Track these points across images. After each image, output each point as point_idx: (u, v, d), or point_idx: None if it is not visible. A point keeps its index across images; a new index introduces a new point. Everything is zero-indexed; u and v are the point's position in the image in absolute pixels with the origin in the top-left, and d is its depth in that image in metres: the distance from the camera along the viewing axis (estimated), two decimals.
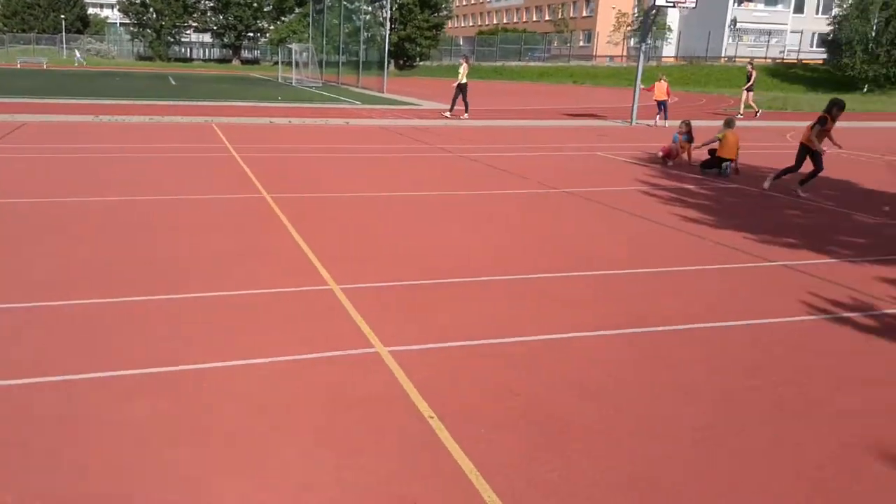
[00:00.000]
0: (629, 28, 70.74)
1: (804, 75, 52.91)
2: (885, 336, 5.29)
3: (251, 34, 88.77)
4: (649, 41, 34.57)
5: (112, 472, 3.28)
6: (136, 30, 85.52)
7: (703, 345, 5.00)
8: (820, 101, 36.41)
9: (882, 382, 4.51)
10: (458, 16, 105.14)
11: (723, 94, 42.06)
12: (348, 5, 49.82)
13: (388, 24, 42.95)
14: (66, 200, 8.97)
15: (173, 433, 3.61)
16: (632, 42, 69.37)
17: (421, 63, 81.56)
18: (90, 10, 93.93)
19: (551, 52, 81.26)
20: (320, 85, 41.32)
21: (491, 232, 8.18)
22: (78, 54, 69.58)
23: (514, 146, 16.49)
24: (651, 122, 22.67)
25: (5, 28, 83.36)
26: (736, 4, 68.58)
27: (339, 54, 47.68)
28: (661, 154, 14.45)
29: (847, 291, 6.29)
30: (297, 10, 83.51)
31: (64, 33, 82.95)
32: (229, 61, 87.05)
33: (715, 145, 13.15)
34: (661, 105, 22.71)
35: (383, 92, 35.43)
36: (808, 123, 11.18)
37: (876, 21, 46.85)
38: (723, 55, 65.16)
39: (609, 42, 73.53)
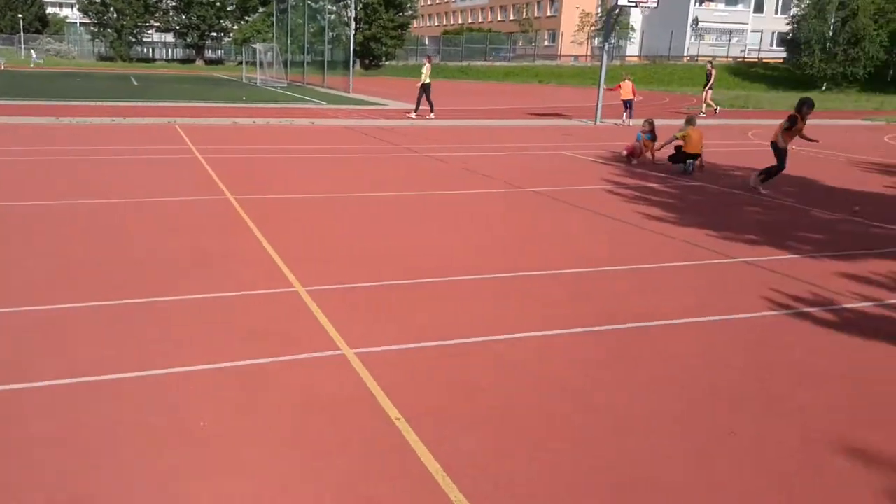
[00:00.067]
0: (593, 28, 71.27)
1: (765, 74, 53.83)
2: (844, 331, 5.38)
3: (214, 34, 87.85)
4: (613, 41, 34.96)
5: (77, 474, 3.22)
6: (96, 30, 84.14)
7: (667, 342, 5.04)
8: (780, 99, 37.11)
9: (843, 377, 4.58)
10: (423, 15, 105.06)
11: (686, 93, 42.60)
12: (312, 4, 49.54)
13: (353, 23, 42.80)
14: (24, 204, 8.78)
15: (137, 437, 3.56)
16: (596, 42, 69.89)
17: (387, 63, 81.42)
18: (49, 10, 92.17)
19: (516, 51, 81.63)
20: (285, 85, 41.03)
21: (456, 232, 8.19)
22: (34, 55, 68.23)
23: (480, 146, 16.52)
24: (620, 122, 22.91)
25: None
26: (697, 4, 69.43)
27: (304, 54, 47.41)
28: (625, 153, 14.58)
29: (807, 287, 6.39)
30: (260, 9, 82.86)
31: (22, 33, 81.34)
32: (193, 61, 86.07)
33: (679, 142, 13.30)
34: (628, 104, 22.97)
35: (349, 92, 35.29)
36: (778, 122, 11.35)
37: (833, 21, 47.84)
38: (685, 54, 65.97)
39: (573, 42, 74.02)
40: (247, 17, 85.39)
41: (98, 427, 3.67)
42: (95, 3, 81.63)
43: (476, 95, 38.97)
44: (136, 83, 38.70)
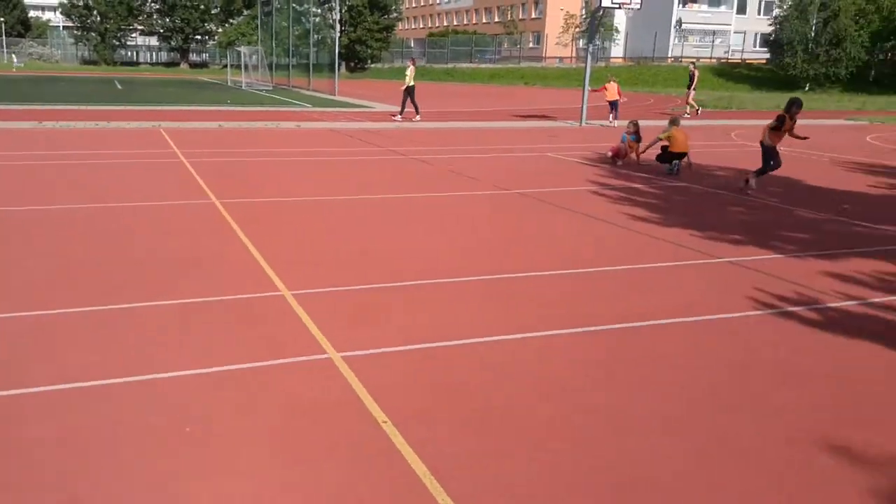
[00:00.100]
0: (577, 29, 71.53)
1: (748, 75, 54.21)
2: (829, 330, 5.42)
3: (199, 37, 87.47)
4: (597, 42, 35.06)
5: (77, 475, 3.20)
6: (79, 33, 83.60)
7: (653, 342, 5.06)
8: (764, 99, 37.38)
9: (827, 376, 4.62)
10: (408, 18, 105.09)
11: (670, 93, 42.77)
12: (297, 7, 49.32)
13: (339, 26, 42.72)
14: (5, 210, 8.71)
15: (123, 442, 3.54)
16: (580, 43, 70.12)
17: (372, 65, 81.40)
18: (32, 13, 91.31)
19: (502, 53, 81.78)
20: (271, 88, 40.94)
21: (442, 234, 8.19)
22: (16, 59, 67.69)
23: (465, 148, 16.53)
24: (606, 123, 23.00)
25: None
26: (680, 6, 69.85)
27: (289, 57, 47.29)
28: (610, 154, 14.64)
29: (792, 286, 6.43)
30: (245, 12, 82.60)
31: (4, 37, 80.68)
32: (177, 65, 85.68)
33: (664, 143, 13.35)
34: (613, 105, 23.08)
35: (335, 94, 35.23)
36: (762, 122, 11.42)
37: (815, 22, 48.28)
38: (669, 55, 66.35)
39: (558, 43, 74.30)
40: (231, 20, 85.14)
41: (97, 428, 3.65)
42: (78, 6, 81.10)
43: (461, 97, 39.00)
44: (120, 87, 38.46)
